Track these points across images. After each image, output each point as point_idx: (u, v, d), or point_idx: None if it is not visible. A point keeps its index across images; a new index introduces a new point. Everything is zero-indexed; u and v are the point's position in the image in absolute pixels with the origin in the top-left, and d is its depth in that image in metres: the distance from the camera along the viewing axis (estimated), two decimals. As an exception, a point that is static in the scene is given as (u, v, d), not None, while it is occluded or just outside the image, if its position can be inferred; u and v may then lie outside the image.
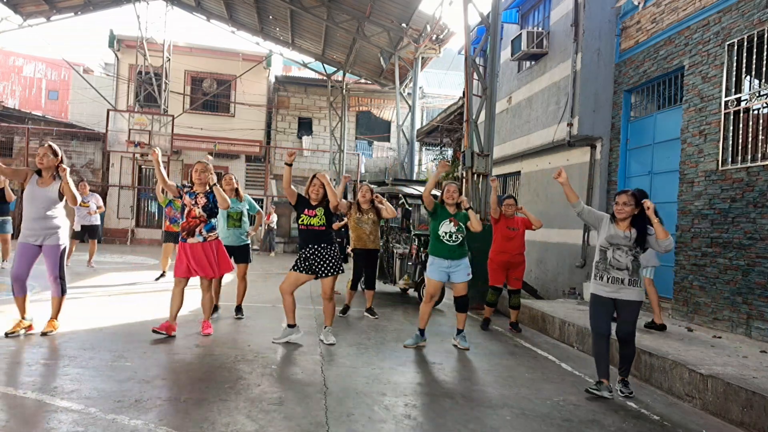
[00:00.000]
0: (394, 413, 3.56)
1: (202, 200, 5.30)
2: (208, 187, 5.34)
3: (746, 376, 4.08)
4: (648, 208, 4.05)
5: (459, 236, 5.37)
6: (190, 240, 5.27)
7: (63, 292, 5.07)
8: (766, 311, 5.58)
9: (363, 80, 20.29)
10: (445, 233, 5.35)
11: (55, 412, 3.19)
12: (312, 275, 5.22)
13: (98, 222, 10.85)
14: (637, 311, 4.27)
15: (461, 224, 5.40)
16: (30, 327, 5.01)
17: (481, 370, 4.85)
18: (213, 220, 5.39)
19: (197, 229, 5.27)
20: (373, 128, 22.01)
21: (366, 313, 7.01)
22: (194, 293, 5.76)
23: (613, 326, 4.35)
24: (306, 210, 5.23)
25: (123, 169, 19.24)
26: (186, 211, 5.29)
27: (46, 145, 4.96)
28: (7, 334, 4.83)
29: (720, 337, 5.68)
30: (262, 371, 4.28)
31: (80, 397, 3.43)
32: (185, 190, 5.33)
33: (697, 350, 4.99)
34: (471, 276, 5.47)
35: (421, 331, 5.46)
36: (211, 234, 5.36)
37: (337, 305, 6.69)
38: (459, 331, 5.55)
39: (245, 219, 6.43)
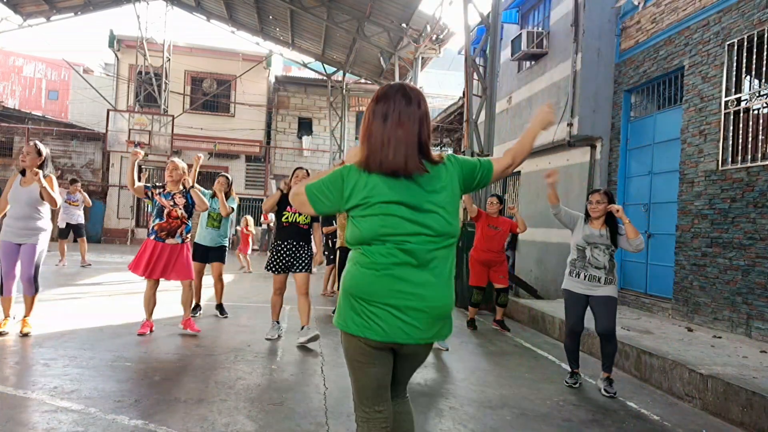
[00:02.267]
0: (394, 413, 3.55)
1: (181, 200, 5.24)
2: (182, 187, 5.30)
3: (746, 376, 4.08)
4: (617, 211, 4.16)
5: None
6: (169, 241, 5.21)
7: (36, 290, 5.02)
8: (766, 311, 5.58)
9: (363, 80, 20.28)
10: None
11: (55, 412, 3.19)
12: (287, 273, 5.26)
13: (82, 221, 10.81)
14: (614, 307, 4.34)
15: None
16: (14, 317, 5.00)
17: (480, 370, 4.85)
18: (190, 222, 5.37)
19: (179, 231, 5.24)
20: (373, 128, 21.98)
21: None
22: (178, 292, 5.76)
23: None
24: (289, 207, 5.21)
25: (123, 169, 19.20)
26: (166, 212, 5.21)
27: (31, 144, 4.91)
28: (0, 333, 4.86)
29: (720, 337, 5.68)
30: (262, 371, 4.28)
31: (80, 397, 3.44)
32: (157, 191, 5.26)
33: (697, 350, 4.99)
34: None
35: None
36: (188, 236, 5.36)
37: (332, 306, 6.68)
38: None
39: (226, 224, 6.39)
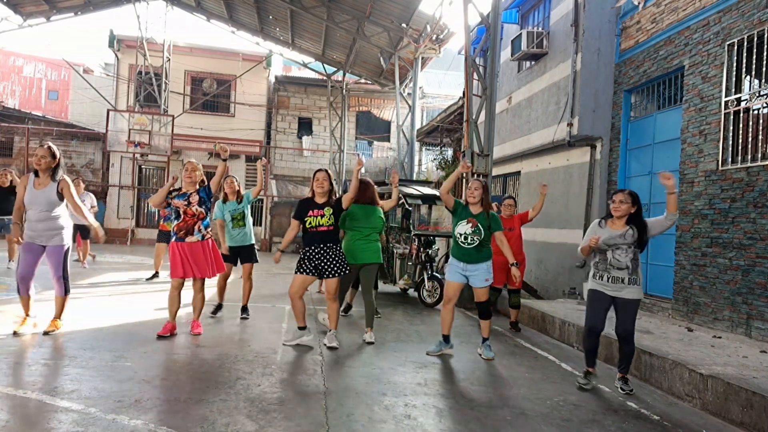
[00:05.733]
0: (394, 413, 3.56)
1: (195, 198, 5.27)
2: (197, 185, 5.34)
3: (746, 376, 4.08)
4: (668, 179, 4.02)
5: (475, 239, 4.99)
6: (189, 239, 5.24)
7: (66, 291, 5.06)
8: (766, 311, 5.58)
9: (363, 80, 20.26)
10: (460, 234, 5.06)
11: (55, 412, 3.19)
12: (316, 276, 5.13)
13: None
14: (636, 309, 4.31)
15: (480, 226, 5.01)
16: (35, 325, 5.04)
17: (480, 370, 4.85)
18: (208, 217, 5.39)
19: (195, 227, 5.26)
20: (373, 128, 21.99)
21: None
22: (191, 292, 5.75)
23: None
24: (311, 211, 5.09)
25: (123, 169, 19.20)
26: (182, 211, 5.24)
27: (45, 146, 4.91)
28: (15, 333, 4.87)
29: (720, 337, 5.68)
30: (262, 371, 4.28)
31: (80, 397, 3.44)
32: (173, 195, 5.27)
33: (697, 350, 4.99)
34: (490, 282, 5.16)
35: (445, 338, 5.24)
36: (208, 231, 5.38)
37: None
38: (484, 340, 5.30)
39: (248, 218, 6.45)
